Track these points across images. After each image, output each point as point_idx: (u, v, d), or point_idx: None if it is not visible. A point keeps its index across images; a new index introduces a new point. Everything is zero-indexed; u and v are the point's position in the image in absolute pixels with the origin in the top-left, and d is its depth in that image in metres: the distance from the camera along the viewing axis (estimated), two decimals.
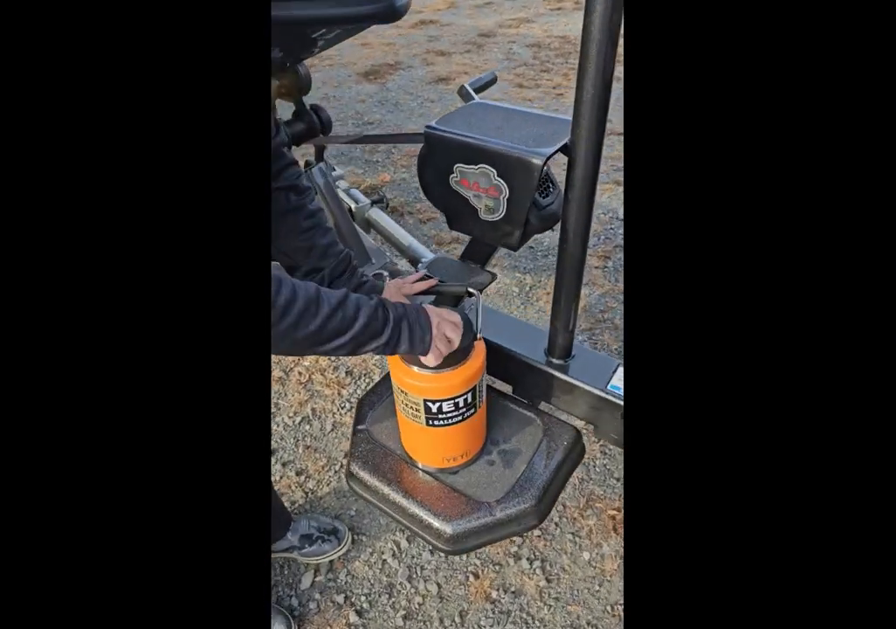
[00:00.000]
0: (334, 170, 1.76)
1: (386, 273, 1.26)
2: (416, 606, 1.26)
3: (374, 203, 1.59)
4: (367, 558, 1.36)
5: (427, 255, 1.38)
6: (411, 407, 0.91)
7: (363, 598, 1.28)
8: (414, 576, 1.32)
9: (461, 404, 0.90)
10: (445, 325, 0.81)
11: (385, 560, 1.36)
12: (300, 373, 1.87)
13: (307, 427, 1.70)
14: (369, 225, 1.58)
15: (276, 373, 1.89)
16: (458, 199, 0.93)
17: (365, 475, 1.04)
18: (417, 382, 0.87)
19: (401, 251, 1.49)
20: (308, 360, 1.90)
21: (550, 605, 1.23)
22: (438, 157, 0.91)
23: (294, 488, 1.53)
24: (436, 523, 0.95)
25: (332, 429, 1.69)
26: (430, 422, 0.92)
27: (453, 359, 0.85)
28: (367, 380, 1.83)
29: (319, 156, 1.27)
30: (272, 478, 1.56)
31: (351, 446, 1.09)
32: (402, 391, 0.90)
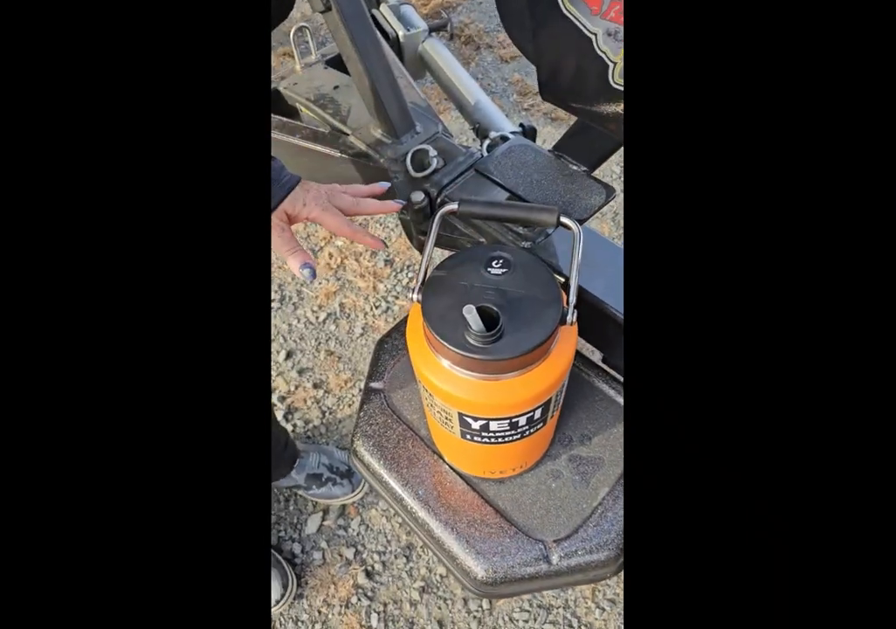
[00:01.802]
0: None
1: (433, 152, 0.83)
2: (438, 579, 1.03)
3: (432, 31, 1.08)
4: (387, 508, 1.13)
5: (503, 124, 0.91)
6: (439, 411, 0.56)
7: (376, 557, 1.07)
8: None
9: (522, 423, 0.54)
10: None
11: None
12: (331, 256, 1.52)
13: (332, 327, 1.39)
14: (423, 65, 1.09)
15: None
16: (569, 40, 0.46)
17: (373, 462, 0.73)
18: (449, 388, 0.50)
19: (464, 112, 1.02)
20: (341, 241, 1.54)
21: (604, 609, 0.97)
22: None
23: (310, 404, 1.27)
24: (463, 557, 0.65)
25: (362, 334, 1.38)
26: (469, 438, 0.57)
27: (521, 360, 0.47)
28: (408, 275, 1.47)
29: None
30: (282, 391, 1.30)
31: (359, 413, 0.77)
32: (425, 389, 0.54)
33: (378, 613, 1.01)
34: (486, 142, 0.84)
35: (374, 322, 1.40)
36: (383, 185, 0.69)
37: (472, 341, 0.46)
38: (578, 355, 0.78)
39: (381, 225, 1.58)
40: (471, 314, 0.45)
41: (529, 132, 0.84)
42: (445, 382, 0.50)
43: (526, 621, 0.97)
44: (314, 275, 0.58)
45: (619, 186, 1.66)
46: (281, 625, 1.03)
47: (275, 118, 0.91)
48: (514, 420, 0.52)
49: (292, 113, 0.97)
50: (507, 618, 0.98)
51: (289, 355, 1.35)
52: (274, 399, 1.28)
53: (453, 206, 0.54)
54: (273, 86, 0.96)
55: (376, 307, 1.41)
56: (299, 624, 1.03)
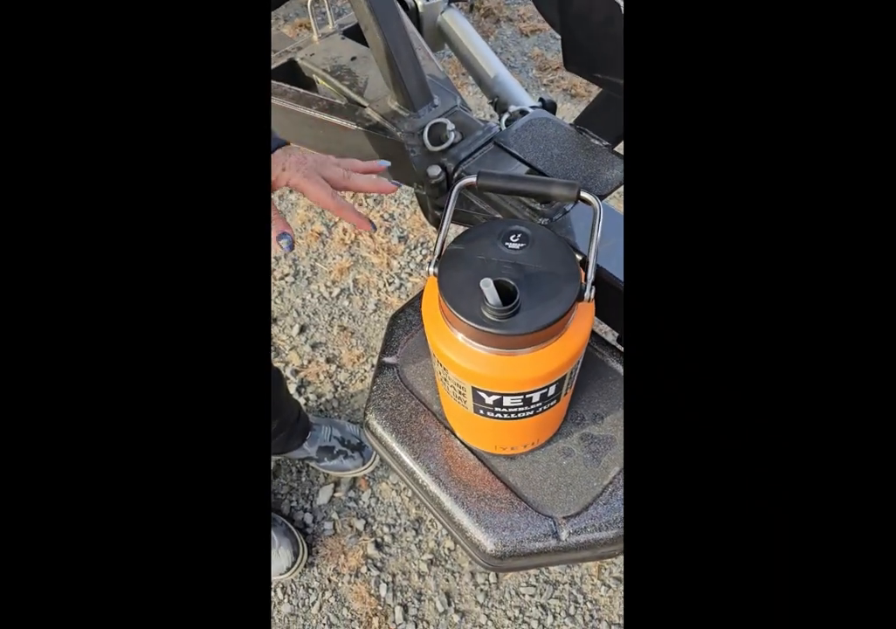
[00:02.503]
0: None
1: (450, 126, 0.81)
2: (446, 552, 1.05)
3: (452, 1, 1.05)
4: (397, 481, 1.14)
5: (522, 98, 0.89)
6: (453, 385, 0.56)
7: (386, 529, 1.08)
8: None
9: (535, 399, 0.54)
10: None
11: None
12: (345, 232, 1.52)
13: (346, 303, 1.40)
14: (441, 37, 1.07)
15: (317, 226, 1.54)
16: (597, 6, 0.45)
17: (385, 435, 0.73)
18: (464, 362, 0.50)
19: (482, 85, 1.00)
20: None
21: (609, 587, 0.98)
22: None
23: (322, 378, 1.28)
24: (473, 530, 0.66)
25: (375, 310, 1.38)
26: (482, 413, 0.57)
27: (537, 335, 0.47)
28: (422, 253, 1.46)
29: None
30: (295, 364, 1.31)
31: (372, 387, 0.77)
32: (440, 363, 0.54)
33: (387, 583, 1.03)
34: (505, 116, 0.82)
35: (387, 298, 1.40)
36: (383, 163, 0.66)
37: (488, 315, 0.46)
38: (592, 334, 0.77)
39: (395, 201, 1.57)
40: (488, 288, 0.44)
41: (549, 106, 0.83)
42: (460, 356, 0.50)
43: (532, 596, 0.99)
44: (292, 246, 0.56)
45: None
46: (292, 591, 1.05)
47: (291, 89, 0.90)
48: (527, 396, 0.52)
49: (309, 84, 0.96)
50: (513, 592, 0.99)
51: (302, 329, 1.35)
52: (287, 372, 1.29)
53: (471, 179, 0.53)
54: (290, 56, 0.95)
55: (389, 284, 1.41)
56: (310, 591, 1.05)
